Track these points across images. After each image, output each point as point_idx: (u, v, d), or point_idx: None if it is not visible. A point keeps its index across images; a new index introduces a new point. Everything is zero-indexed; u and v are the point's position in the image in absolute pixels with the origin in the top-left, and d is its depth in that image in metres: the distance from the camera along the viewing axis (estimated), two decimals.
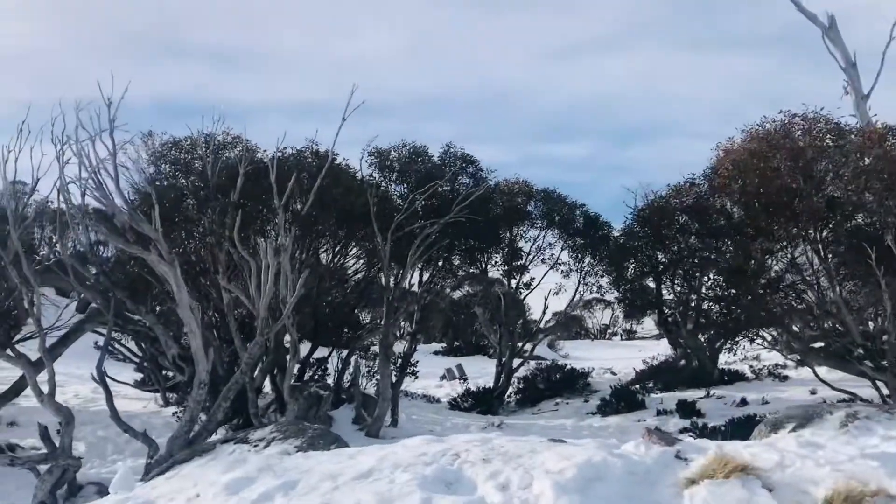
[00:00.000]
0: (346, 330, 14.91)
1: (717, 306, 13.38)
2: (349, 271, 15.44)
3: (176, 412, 12.57)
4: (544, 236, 16.85)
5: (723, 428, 11.56)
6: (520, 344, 18.32)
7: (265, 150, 12.79)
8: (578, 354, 30.67)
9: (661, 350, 26.17)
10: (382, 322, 12.68)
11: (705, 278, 15.18)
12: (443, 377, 22.44)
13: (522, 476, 4.10)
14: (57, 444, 8.46)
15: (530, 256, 16.80)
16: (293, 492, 4.34)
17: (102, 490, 8.98)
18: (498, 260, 16.77)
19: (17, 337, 11.80)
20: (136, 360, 16.91)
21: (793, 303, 11.42)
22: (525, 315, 24.64)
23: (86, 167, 8.72)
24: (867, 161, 10.14)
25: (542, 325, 19.89)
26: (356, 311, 15.98)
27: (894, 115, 12.15)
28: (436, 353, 30.10)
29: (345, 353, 14.75)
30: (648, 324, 45.57)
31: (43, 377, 8.92)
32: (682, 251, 14.56)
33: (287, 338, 12.13)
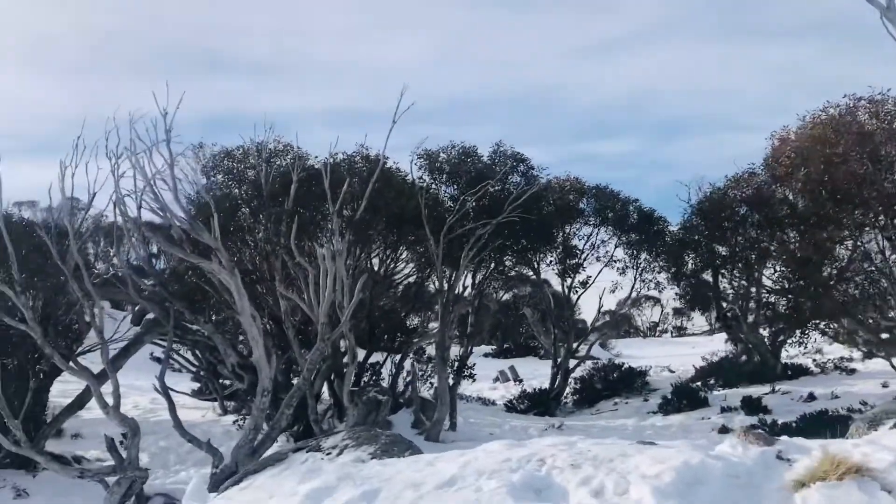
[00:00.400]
0: (399, 334, 14.85)
1: (782, 298, 12.95)
2: (400, 276, 15.37)
3: (236, 420, 12.59)
4: (598, 233, 16.59)
5: (794, 425, 11.18)
6: (574, 344, 18.03)
7: (316, 157, 12.78)
8: (630, 353, 30.17)
9: (715, 346, 25.63)
10: (438, 325, 12.53)
11: (767, 270, 14.74)
12: (496, 379, 22.25)
13: (617, 481, 3.90)
14: (123, 455, 8.48)
15: (584, 254, 16.51)
16: (376, 501, 4.21)
17: (169, 501, 9.00)
18: (552, 259, 16.52)
19: (79, 350, 11.91)
20: (193, 369, 17.02)
21: (865, 291, 10.98)
22: (575, 315, 24.33)
23: (142, 179, 8.75)
24: None
25: (594, 325, 19.59)
26: (408, 315, 15.91)
27: None
28: (486, 355, 29.89)
29: (398, 357, 14.70)
30: (699, 320, 44.88)
31: (107, 389, 8.96)
32: (742, 243, 14.15)
33: (343, 343, 12.10)
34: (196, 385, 17.99)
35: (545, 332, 31.37)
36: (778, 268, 13.38)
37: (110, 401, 8.68)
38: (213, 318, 13.12)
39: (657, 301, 43.67)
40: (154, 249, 12.63)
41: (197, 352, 15.76)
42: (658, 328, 46.51)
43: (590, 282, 16.88)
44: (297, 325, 12.01)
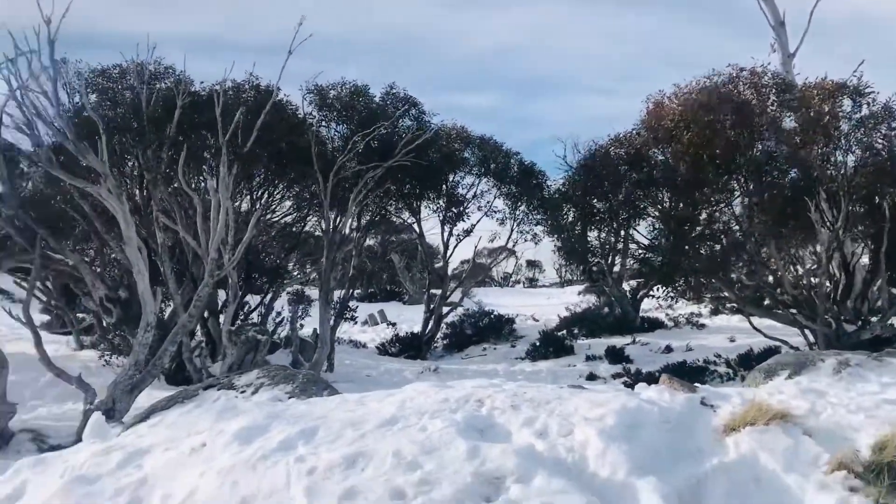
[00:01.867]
0: (274, 275, 14.49)
1: (653, 255, 13.67)
2: (278, 215, 14.94)
3: (103, 355, 11.88)
4: (479, 183, 16.75)
5: (657, 374, 11.90)
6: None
7: (202, 83, 12.04)
8: (490, 301, 31.01)
9: (567, 297, 26.85)
10: (323, 266, 12.31)
11: (641, 227, 15.50)
12: (365, 322, 22.24)
13: (560, 423, 4.00)
14: None
15: (467, 203, 16.64)
16: (315, 439, 4.10)
17: (37, 437, 8.44)
18: (436, 207, 16.55)
19: None
20: (43, 301, 15.89)
21: (729, 253, 11.77)
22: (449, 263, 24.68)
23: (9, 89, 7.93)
24: (812, 114, 10.45)
25: (456, 273, 19.93)
26: (286, 256, 15.55)
27: (815, 74, 12.51)
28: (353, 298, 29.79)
29: (268, 298, 14.40)
30: (550, 273, 46.75)
31: None
32: (620, 200, 14.75)
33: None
34: (46, 318, 16.85)
35: (411, 279, 31.70)
36: (656, 225, 14.06)
37: None
38: (77, 247, 12.29)
39: (513, 253, 45.01)
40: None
41: (49, 283, 14.73)
42: (511, 279, 47.83)
43: (467, 230, 17.06)
44: (171, 260, 11.45)
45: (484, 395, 4.51)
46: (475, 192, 16.78)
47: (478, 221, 17.06)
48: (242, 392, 5.25)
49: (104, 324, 12.22)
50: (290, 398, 5.22)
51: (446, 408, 4.35)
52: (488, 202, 16.94)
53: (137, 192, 11.82)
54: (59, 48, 7.44)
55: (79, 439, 8.22)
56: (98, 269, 11.87)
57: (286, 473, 3.77)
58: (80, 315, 16.79)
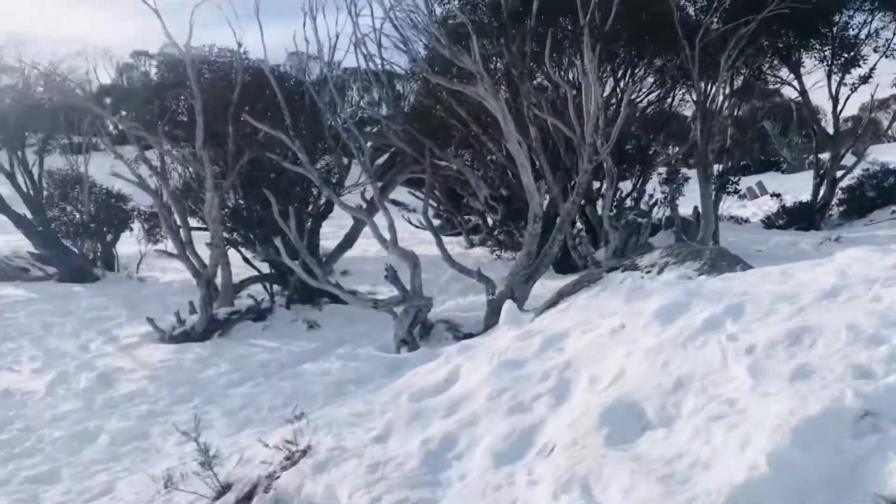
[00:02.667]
0: (646, 157, 14.10)
1: None
2: (643, 93, 14.36)
3: (495, 252, 12.61)
4: (873, 20, 14.27)
5: None
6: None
7: None
8: (887, 160, 27.15)
9: None
10: (699, 139, 11.58)
11: None
12: (742, 196, 20.81)
13: None
14: (408, 287, 8.73)
15: (860, 45, 14.34)
16: (744, 316, 3.79)
17: (451, 326, 9.28)
18: (819, 55, 14.55)
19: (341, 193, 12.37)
20: (433, 206, 17.39)
21: None
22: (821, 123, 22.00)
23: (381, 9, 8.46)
24: None
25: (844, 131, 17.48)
26: (654, 137, 15.03)
27: None
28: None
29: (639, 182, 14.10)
30: None
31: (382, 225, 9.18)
32: None
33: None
34: (436, 222, 18.44)
35: (788, 145, 28.92)
36: None
37: (388, 236, 8.91)
38: (458, 153, 13.08)
39: None
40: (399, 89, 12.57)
41: (436, 191, 16.02)
42: None
43: (870, 76, 14.73)
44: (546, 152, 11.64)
45: None
46: (868, 31, 14.38)
47: (874, 65, 14.66)
48: (647, 272, 5.08)
49: (489, 222, 12.97)
50: (699, 275, 4.93)
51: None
52: (887, 40, 14.41)
53: (504, 90, 12.14)
54: None
55: (486, 327, 8.89)
56: (479, 172, 12.53)
57: (720, 352, 3.52)
58: (466, 217, 18.17)
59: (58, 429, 6.86)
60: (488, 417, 4.00)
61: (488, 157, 12.77)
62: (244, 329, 10.05)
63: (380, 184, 12.64)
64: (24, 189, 13.06)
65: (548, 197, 11.15)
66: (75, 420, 7.08)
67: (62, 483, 5.69)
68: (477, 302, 11.39)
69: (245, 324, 10.15)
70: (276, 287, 11.33)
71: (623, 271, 5.28)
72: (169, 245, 13.45)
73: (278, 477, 4.15)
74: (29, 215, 12.93)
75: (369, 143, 10.27)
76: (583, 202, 12.55)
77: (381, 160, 12.84)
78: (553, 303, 5.40)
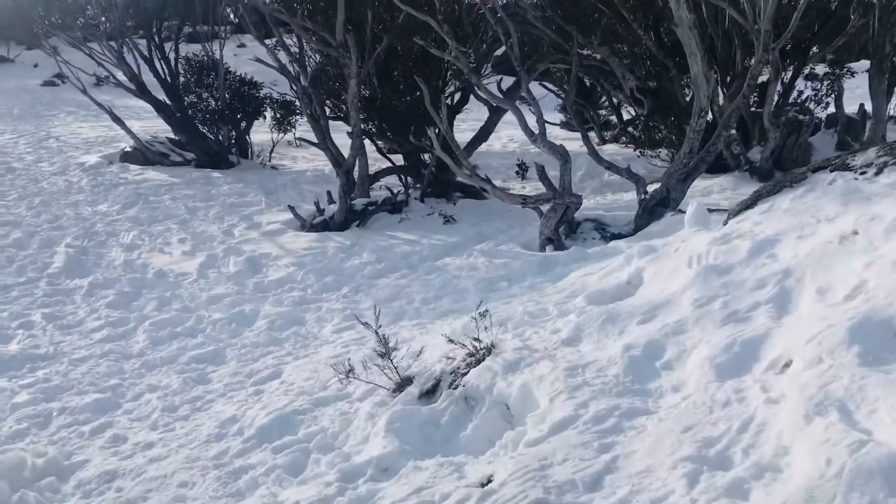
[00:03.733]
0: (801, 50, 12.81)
1: None
2: None
3: (639, 150, 11.89)
4: None
5: None
6: None
7: None
8: None
9: None
10: (875, 25, 10.40)
11: None
12: None
13: None
14: (556, 184, 8.33)
15: None
16: None
17: (599, 226, 8.87)
18: None
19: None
20: (562, 99, 16.62)
21: None
22: None
23: None
24: None
25: None
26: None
27: None
28: None
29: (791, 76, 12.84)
30: None
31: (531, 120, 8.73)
32: None
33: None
34: (562, 117, 17.65)
35: None
36: None
37: (536, 129, 8.46)
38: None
39: None
40: None
41: (566, 85, 15.21)
42: None
43: None
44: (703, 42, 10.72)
45: None
46: None
47: None
48: (863, 173, 4.50)
49: (635, 114, 12.24)
50: None
51: None
52: None
53: None
54: None
55: (636, 228, 8.44)
56: (626, 62, 11.74)
57: None
58: (599, 112, 17.37)
59: (215, 311, 6.98)
60: (699, 325, 3.66)
61: (636, 50, 11.93)
62: (381, 220, 9.96)
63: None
64: (162, 75, 13.18)
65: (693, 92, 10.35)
66: (230, 303, 7.19)
67: (227, 365, 5.76)
68: (618, 200, 10.89)
69: (381, 215, 10.06)
70: (409, 180, 11.14)
71: (831, 171, 4.71)
72: (299, 134, 13.50)
73: (465, 373, 3.98)
74: (167, 102, 13.10)
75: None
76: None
77: (499, 51, 12.13)
78: (750, 204, 4.91)
